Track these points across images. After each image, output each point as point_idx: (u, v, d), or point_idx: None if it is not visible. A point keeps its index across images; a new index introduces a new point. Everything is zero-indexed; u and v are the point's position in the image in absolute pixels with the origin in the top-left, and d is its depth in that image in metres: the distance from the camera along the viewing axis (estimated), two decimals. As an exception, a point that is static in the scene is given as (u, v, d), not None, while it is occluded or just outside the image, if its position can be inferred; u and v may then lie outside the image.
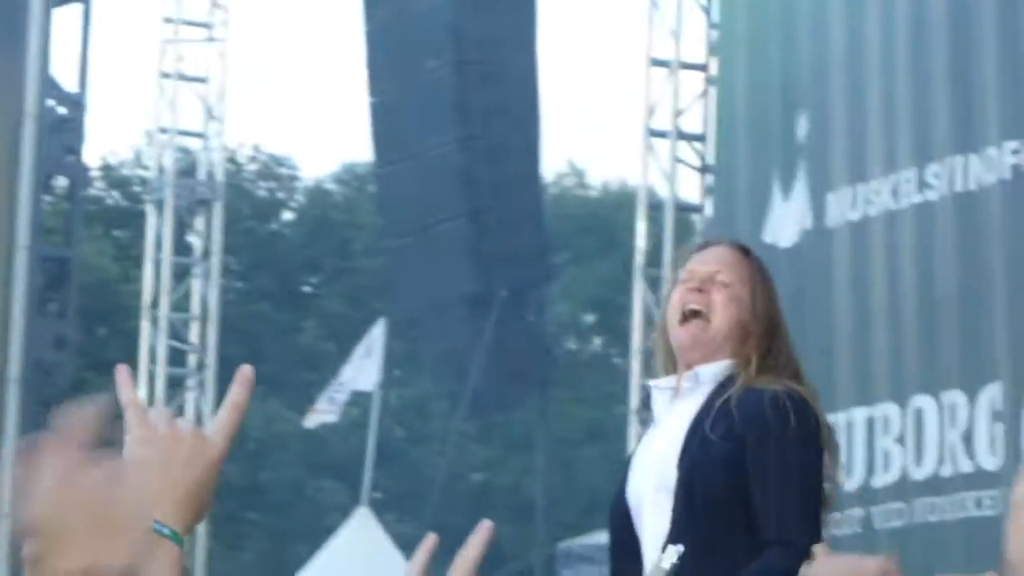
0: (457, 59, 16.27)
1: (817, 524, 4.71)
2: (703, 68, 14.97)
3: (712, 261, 5.22)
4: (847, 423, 11.75)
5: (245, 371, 1.50)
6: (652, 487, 4.94)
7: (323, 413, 18.77)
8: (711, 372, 5.07)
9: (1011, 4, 12.06)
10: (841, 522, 10.81)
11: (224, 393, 1.53)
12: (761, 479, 4.93)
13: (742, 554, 4.82)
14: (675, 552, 4.02)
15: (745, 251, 5.43)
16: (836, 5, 13.17)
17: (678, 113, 15.34)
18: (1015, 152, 11.17)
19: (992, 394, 11.03)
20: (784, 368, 5.13)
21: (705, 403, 4.99)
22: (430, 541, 2.19)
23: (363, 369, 17.81)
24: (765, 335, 5.20)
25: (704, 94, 14.75)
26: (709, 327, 5.09)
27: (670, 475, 4.95)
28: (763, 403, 4.93)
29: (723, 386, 4.90)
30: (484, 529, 2.07)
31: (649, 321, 14.48)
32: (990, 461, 10.90)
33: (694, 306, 5.06)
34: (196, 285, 16.56)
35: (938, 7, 12.32)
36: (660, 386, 5.19)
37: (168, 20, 16.45)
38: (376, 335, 18.05)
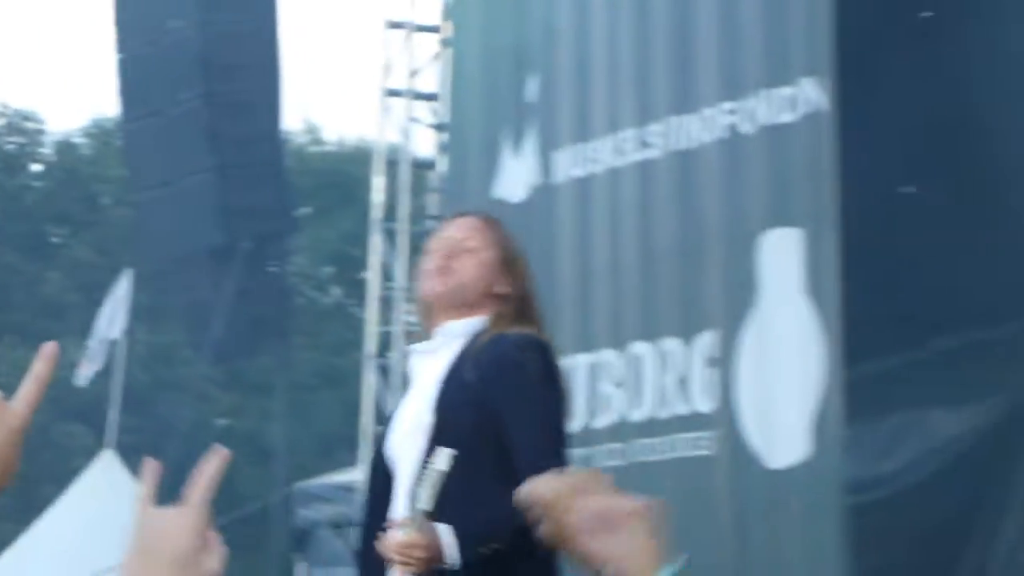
0: (201, 19, 16.01)
1: (565, 456, 4.91)
2: (437, 31, 14.77)
3: (459, 228, 5.40)
4: (571, 367, 10.93)
5: (48, 347, 1.64)
6: (409, 434, 5.09)
7: (91, 366, 18.24)
8: (462, 326, 5.24)
9: None
10: None
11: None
12: (512, 416, 5.07)
13: (496, 492, 4.83)
14: (447, 454, 4.73)
15: (492, 220, 5.61)
16: None
17: (413, 73, 15.17)
18: (731, 112, 11.13)
19: (706, 341, 10.99)
20: (532, 321, 5.35)
21: (458, 354, 5.18)
22: (153, 467, 2.11)
23: (112, 318, 17.39)
24: (514, 294, 5.36)
25: (438, 56, 14.53)
26: (455, 284, 5.25)
27: (425, 420, 5.09)
28: (508, 347, 5.14)
29: (475, 339, 5.10)
30: (219, 455, 2.05)
31: (385, 273, 14.78)
32: (704, 404, 10.94)
33: (441, 264, 5.23)
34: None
35: None
36: (418, 350, 5.40)
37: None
38: (123, 285, 17.57)
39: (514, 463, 4.80)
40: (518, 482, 4.57)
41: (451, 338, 5.25)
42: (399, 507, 4.91)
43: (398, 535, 4.63)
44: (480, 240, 5.38)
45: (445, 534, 4.68)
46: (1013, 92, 11.01)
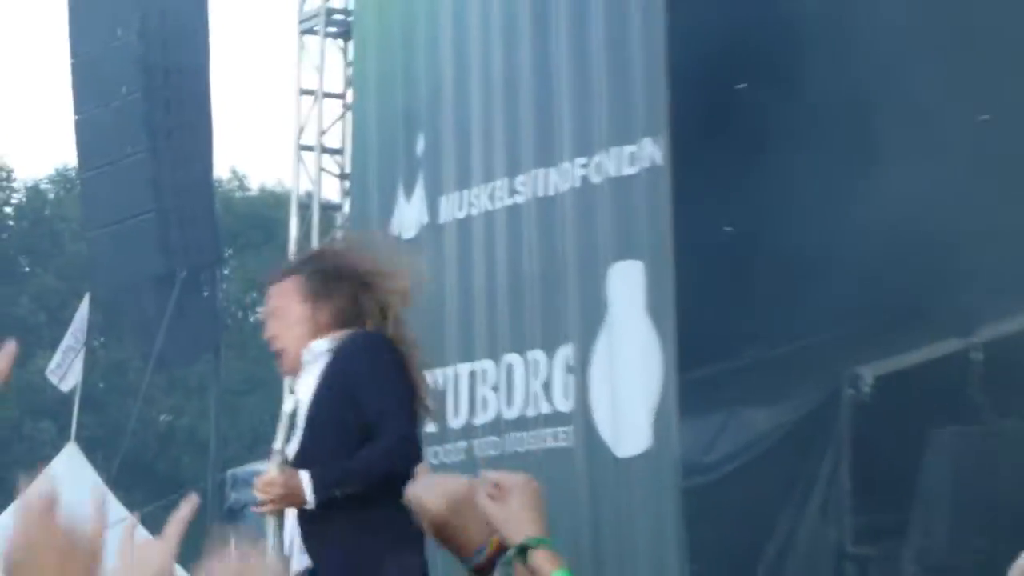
0: (146, 86, 15.99)
1: (411, 415, 5.05)
2: (342, 96, 14.66)
3: (268, 298, 5.57)
4: (454, 375, 11.91)
5: (8, 346, 1.52)
6: (297, 425, 5.20)
7: (72, 376, 17.33)
8: (321, 344, 5.24)
9: (580, 50, 11.59)
10: (450, 451, 11.89)
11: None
12: (364, 391, 5.13)
13: (353, 450, 5.09)
14: (292, 399, 5.25)
15: (288, 270, 5.62)
16: (446, 52, 12.64)
17: (322, 132, 14.55)
18: (583, 166, 11.17)
19: (565, 353, 11.08)
20: (363, 315, 5.41)
21: (326, 363, 5.22)
22: (178, 521, 2.09)
23: (76, 334, 17.07)
24: (339, 305, 5.39)
25: (343, 117, 14.37)
26: (282, 349, 5.35)
27: (304, 409, 5.21)
28: (354, 342, 5.22)
29: (332, 351, 5.18)
30: (190, 503, 2.00)
31: (297, 297, 15.05)
32: (564, 404, 11.06)
33: (272, 344, 5.38)
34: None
35: (525, 55, 11.97)
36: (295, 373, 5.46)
37: None
38: (82, 308, 17.32)
39: (370, 426, 4.93)
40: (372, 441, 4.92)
41: (314, 357, 5.29)
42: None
43: (263, 476, 4.87)
44: (281, 300, 5.44)
45: (304, 477, 4.79)
46: (815, 146, 11.13)
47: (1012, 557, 4.17)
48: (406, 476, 4.88)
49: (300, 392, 5.52)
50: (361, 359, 5.35)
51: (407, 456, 4.97)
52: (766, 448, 11.79)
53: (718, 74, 11.57)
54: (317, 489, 4.66)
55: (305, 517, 4.90)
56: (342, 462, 4.84)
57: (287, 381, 15.21)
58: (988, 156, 11.28)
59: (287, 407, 5.63)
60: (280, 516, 5.16)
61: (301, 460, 5.27)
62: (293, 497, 4.76)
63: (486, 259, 11.80)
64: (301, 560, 4.81)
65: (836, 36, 11.31)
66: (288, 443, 5.25)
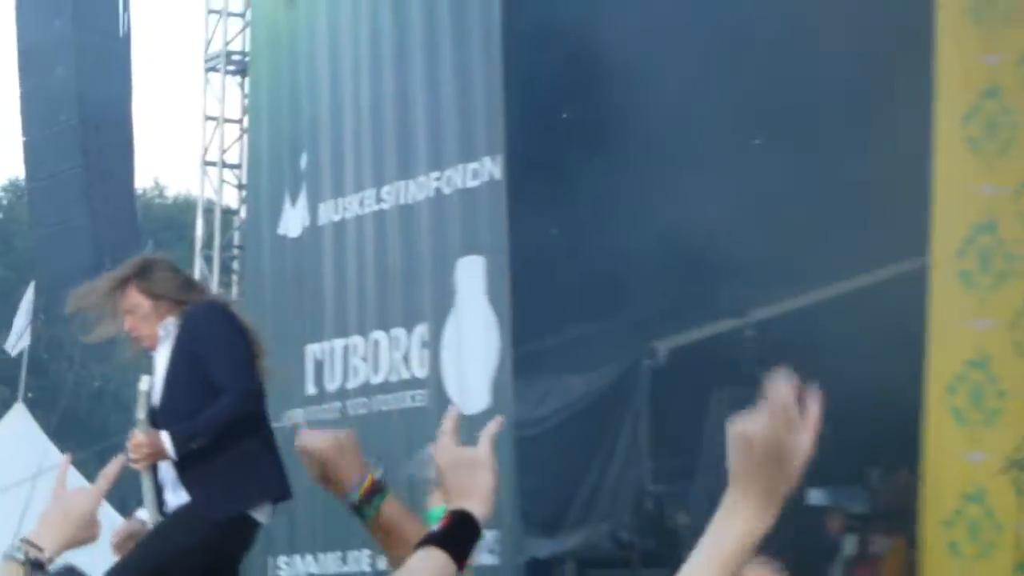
0: (80, 115, 15.97)
1: (249, 371, 5.17)
2: (239, 122, 14.92)
3: (119, 306, 5.44)
4: (331, 348, 12.23)
5: None
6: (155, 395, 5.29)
7: (19, 344, 17.16)
8: (171, 320, 5.32)
9: (433, 82, 11.95)
10: (327, 410, 12.18)
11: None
12: (208, 353, 5.27)
13: (203, 407, 5.19)
14: (147, 381, 5.26)
15: (122, 282, 5.59)
16: (323, 85, 12.94)
17: (224, 151, 14.98)
18: (436, 179, 11.42)
19: (421, 330, 11.34)
20: (192, 289, 5.64)
21: (175, 337, 5.35)
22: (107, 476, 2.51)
23: (26, 313, 16.84)
24: (166, 287, 5.51)
25: (240, 139, 14.64)
26: (147, 337, 5.39)
27: (161, 377, 5.32)
28: (197, 313, 5.34)
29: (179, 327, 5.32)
30: (119, 461, 2.47)
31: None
32: (420, 372, 11.35)
33: (134, 333, 5.39)
34: None
35: (387, 86, 12.23)
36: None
37: None
38: (29, 293, 17.16)
39: (216, 384, 5.03)
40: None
41: (167, 332, 5.33)
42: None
43: (132, 440, 4.84)
44: (130, 302, 5.45)
45: (164, 436, 4.86)
46: (622, 164, 11.64)
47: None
48: (255, 419, 5.12)
49: (158, 363, 5.57)
50: (204, 325, 5.47)
51: (249, 407, 5.29)
52: (583, 407, 12.26)
53: (546, 104, 12.00)
54: (176, 445, 4.78)
55: (176, 462, 4.99)
56: (194, 419, 4.94)
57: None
58: (759, 173, 11.76)
59: (143, 387, 5.55)
60: (152, 469, 5.20)
61: (163, 418, 5.37)
62: (158, 454, 4.87)
63: (357, 254, 12.04)
64: (178, 495, 4.95)
65: (641, 77, 11.38)
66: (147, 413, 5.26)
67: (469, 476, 2.19)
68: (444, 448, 2.24)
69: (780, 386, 1.62)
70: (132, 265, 5.83)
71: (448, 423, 2.28)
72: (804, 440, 1.63)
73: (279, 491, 5.10)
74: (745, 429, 1.60)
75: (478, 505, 2.18)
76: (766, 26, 11.64)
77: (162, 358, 5.53)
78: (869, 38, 11.42)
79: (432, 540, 2.13)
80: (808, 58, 11.23)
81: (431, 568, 2.11)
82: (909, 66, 10.59)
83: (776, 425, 1.63)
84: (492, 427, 2.18)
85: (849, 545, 11.49)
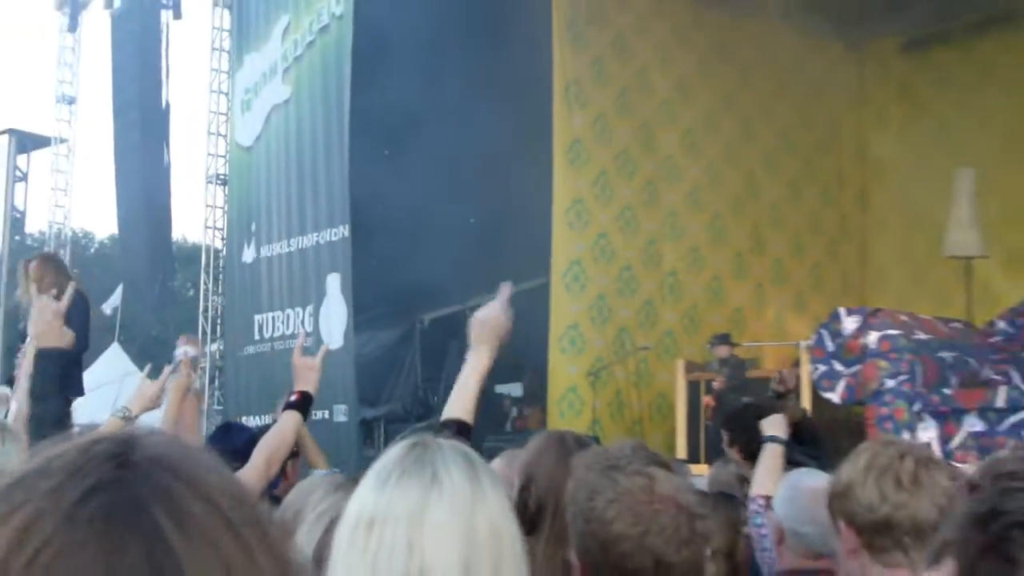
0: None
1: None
2: (224, 207, 16.20)
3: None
4: (267, 316, 14.79)
5: None
6: None
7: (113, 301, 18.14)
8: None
9: (315, 186, 13.71)
10: (265, 346, 14.58)
11: None
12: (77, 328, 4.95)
13: None
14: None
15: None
16: (263, 187, 14.73)
17: (214, 225, 16.61)
18: (317, 235, 13.67)
19: (310, 308, 13.71)
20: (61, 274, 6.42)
21: None
22: None
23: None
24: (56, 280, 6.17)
25: (224, 213, 16.24)
26: None
27: None
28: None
29: None
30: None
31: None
32: (309, 328, 13.27)
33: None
34: None
35: (294, 186, 14.18)
36: None
37: None
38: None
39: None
40: None
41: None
42: None
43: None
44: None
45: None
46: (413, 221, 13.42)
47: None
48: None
49: None
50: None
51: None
52: (387, 347, 15.23)
53: (374, 192, 12.72)
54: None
55: None
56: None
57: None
58: (475, 239, 14.00)
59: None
60: None
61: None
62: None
63: (278, 271, 14.35)
64: None
65: (415, 153, 13.00)
66: None
67: (309, 373, 3.62)
68: (297, 357, 3.65)
69: (504, 292, 3.07)
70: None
71: (298, 344, 3.74)
72: (503, 318, 2.92)
73: None
74: (480, 315, 2.98)
75: (312, 387, 3.53)
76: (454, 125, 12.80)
77: None
78: (516, 127, 12.92)
79: (290, 406, 3.52)
80: (484, 143, 13.06)
81: (293, 419, 3.49)
82: (541, 149, 12.79)
83: (495, 313, 2.95)
84: (321, 351, 3.59)
85: (513, 412, 14.47)
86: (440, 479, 1.48)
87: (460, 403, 2.97)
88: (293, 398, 3.58)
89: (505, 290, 3.16)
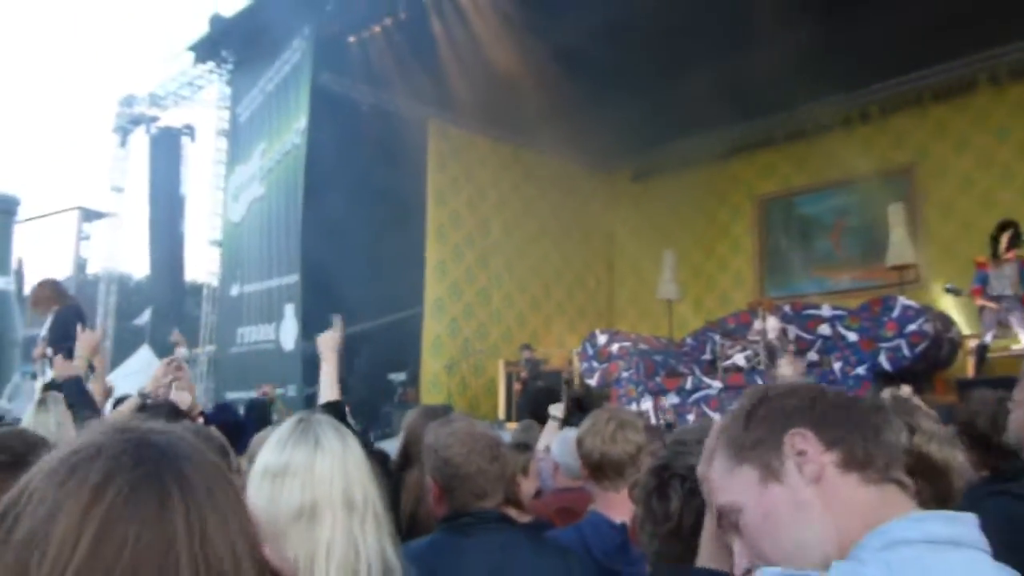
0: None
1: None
2: (221, 256, 14.78)
3: None
4: (246, 329, 13.25)
5: None
6: None
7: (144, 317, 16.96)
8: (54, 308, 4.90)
9: (278, 245, 12.42)
10: (243, 347, 13.02)
11: None
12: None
13: None
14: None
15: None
16: (245, 249, 13.35)
17: (214, 272, 15.12)
18: (280, 279, 12.22)
19: (275, 324, 12.31)
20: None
21: None
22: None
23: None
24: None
25: (220, 260, 14.86)
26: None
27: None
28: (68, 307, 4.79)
29: None
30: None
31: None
32: (272, 337, 12.34)
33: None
34: None
35: (265, 250, 12.84)
36: None
37: None
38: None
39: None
40: None
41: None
42: None
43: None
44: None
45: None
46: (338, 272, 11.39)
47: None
48: None
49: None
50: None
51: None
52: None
53: (320, 246, 11.46)
54: None
55: None
56: None
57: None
58: (379, 282, 12.04)
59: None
60: None
61: None
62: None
63: (254, 301, 13.19)
64: None
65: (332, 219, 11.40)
66: None
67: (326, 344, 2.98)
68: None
69: (337, 322, 2.68)
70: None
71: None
72: (337, 338, 2.62)
73: None
74: (321, 337, 2.78)
75: (152, 389, 3.08)
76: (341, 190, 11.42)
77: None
78: (405, 218, 12.29)
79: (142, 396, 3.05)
80: (387, 226, 11.97)
81: (132, 405, 2.99)
82: (418, 231, 12.44)
83: (334, 335, 2.63)
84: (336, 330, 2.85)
85: (399, 390, 12.92)
86: (321, 443, 1.38)
87: (327, 392, 2.88)
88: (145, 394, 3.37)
89: (337, 320, 3.09)
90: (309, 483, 1.34)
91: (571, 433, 3.18)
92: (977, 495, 1.90)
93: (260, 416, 4.61)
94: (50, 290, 5.49)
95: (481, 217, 13.63)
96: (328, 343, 2.99)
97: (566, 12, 9.94)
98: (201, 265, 15.36)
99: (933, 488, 1.48)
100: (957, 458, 1.59)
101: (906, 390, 3.81)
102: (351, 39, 11.37)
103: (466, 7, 10.22)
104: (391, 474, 2.81)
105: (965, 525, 0.89)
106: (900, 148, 12.50)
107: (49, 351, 5.05)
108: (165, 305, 16.86)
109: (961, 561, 0.84)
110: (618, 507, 2.23)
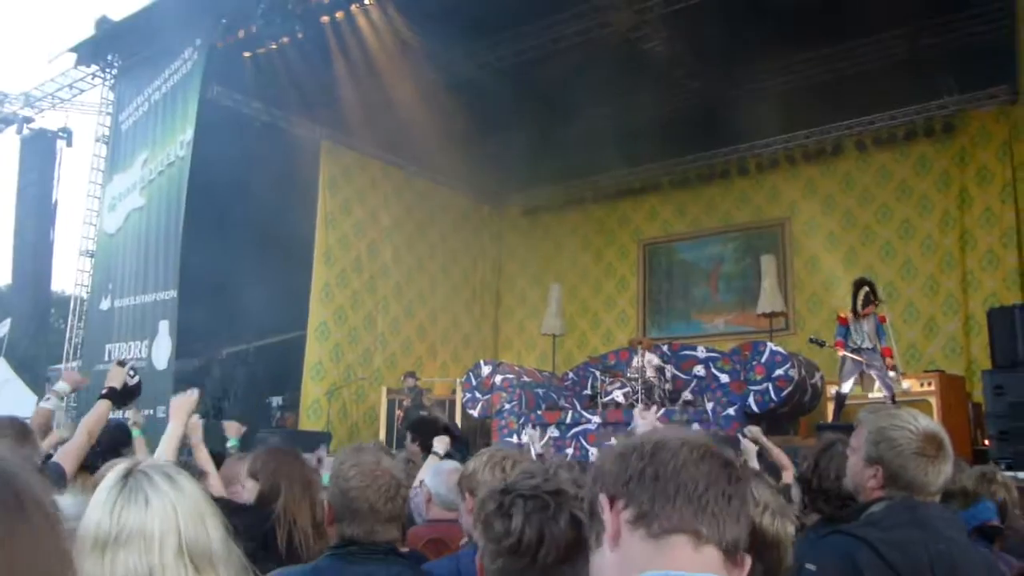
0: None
1: None
2: (92, 270, 13.43)
3: None
4: (118, 345, 11.95)
5: None
6: None
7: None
8: None
9: (156, 260, 11.69)
10: (112, 366, 13.30)
11: None
12: None
13: None
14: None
15: None
16: (119, 265, 12.50)
17: (84, 284, 13.75)
18: (157, 294, 11.51)
19: (147, 342, 11.49)
20: None
21: None
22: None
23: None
24: None
25: (91, 275, 13.64)
26: None
27: None
28: None
29: None
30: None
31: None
32: (144, 353, 11.39)
33: None
34: None
35: (141, 264, 12.01)
36: None
37: None
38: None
39: None
40: None
41: None
42: None
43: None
44: None
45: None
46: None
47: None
48: None
49: None
50: None
51: None
52: (197, 370, 12.37)
53: (199, 271, 11.00)
54: None
55: None
56: None
57: None
58: (260, 303, 11.67)
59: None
60: None
61: None
62: None
63: (126, 316, 12.13)
64: None
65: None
66: None
67: (115, 374, 3.18)
68: (114, 368, 2.97)
69: (191, 395, 2.66)
70: None
71: (116, 362, 3.05)
72: (193, 400, 2.57)
73: None
74: (175, 399, 2.73)
75: (117, 384, 3.14)
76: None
77: None
78: (291, 240, 12.04)
79: (103, 396, 3.14)
80: (269, 247, 11.39)
81: (105, 405, 3.10)
82: (306, 255, 12.29)
83: (190, 399, 2.70)
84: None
85: (277, 414, 12.65)
86: (151, 500, 1.29)
87: (164, 451, 2.87)
88: (104, 391, 3.35)
89: (194, 392, 3.09)
90: (143, 549, 1.26)
91: (446, 464, 3.26)
92: (815, 536, 2.05)
93: (112, 440, 4.19)
94: None
95: (370, 241, 13.49)
96: (182, 406, 2.97)
97: (463, 45, 10.14)
98: (70, 276, 14.65)
99: (763, 563, 1.51)
100: (788, 530, 1.64)
101: (754, 430, 3.95)
102: (246, 54, 11.11)
103: (365, 31, 10.10)
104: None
105: None
106: (774, 203, 13.04)
107: None
108: (26, 317, 15.89)
109: None
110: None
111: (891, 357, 8.28)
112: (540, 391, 11.21)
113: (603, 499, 0.99)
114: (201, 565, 1.24)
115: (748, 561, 0.99)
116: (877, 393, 8.41)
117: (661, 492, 0.96)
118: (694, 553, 0.94)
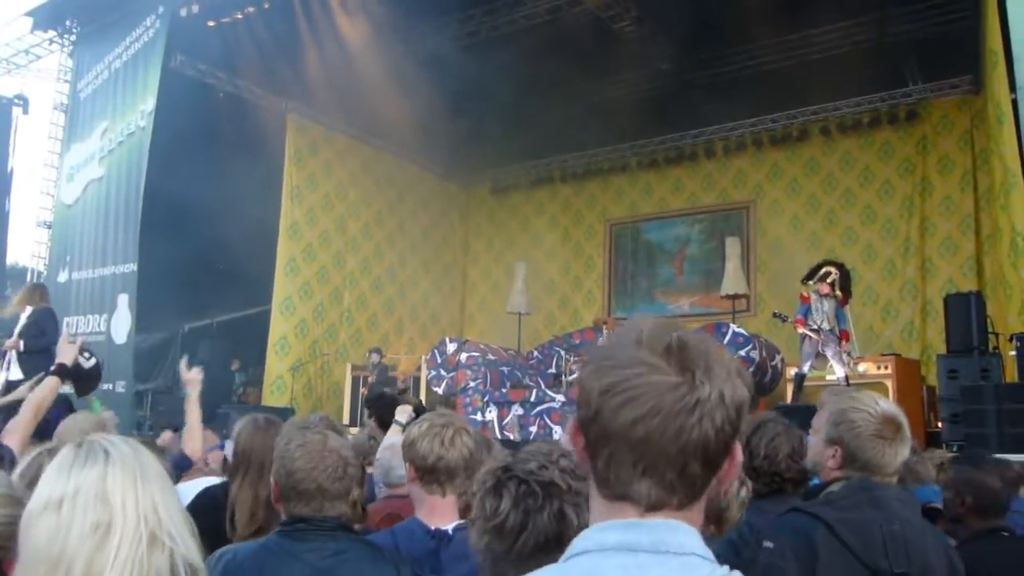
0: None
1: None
2: (49, 241, 13.30)
3: None
4: (77, 318, 11.63)
5: None
6: None
7: None
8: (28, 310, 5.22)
9: (115, 235, 11.42)
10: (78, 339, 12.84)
11: None
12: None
13: None
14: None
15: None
16: (77, 236, 12.31)
17: (42, 257, 13.60)
18: (115, 268, 11.43)
19: (106, 316, 11.22)
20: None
21: None
22: None
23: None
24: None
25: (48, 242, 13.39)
26: None
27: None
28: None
29: None
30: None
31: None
32: (104, 328, 11.26)
33: None
34: None
35: (100, 239, 11.75)
36: None
37: None
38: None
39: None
40: None
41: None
42: None
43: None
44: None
45: None
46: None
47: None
48: None
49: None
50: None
51: None
52: (158, 345, 12.88)
53: (161, 243, 10.83)
54: None
55: None
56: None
57: None
58: (223, 277, 12.04)
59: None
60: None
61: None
62: None
63: (83, 289, 11.95)
64: None
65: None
66: None
67: (67, 350, 3.10)
68: (63, 343, 3.00)
69: (195, 373, 2.93)
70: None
71: (64, 335, 2.88)
72: (200, 375, 2.71)
73: None
74: (187, 375, 3.04)
75: (68, 360, 3.09)
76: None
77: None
78: (256, 212, 11.66)
79: (50, 373, 3.06)
80: (233, 219, 11.02)
81: (53, 382, 3.00)
82: (271, 229, 12.14)
83: (194, 375, 2.95)
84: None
85: (240, 390, 12.63)
86: (111, 456, 1.24)
87: (190, 442, 3.02)
88: (53, 368, 3.20)
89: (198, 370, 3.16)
90: (102, 500, 1.21)
91: (396, 439, 3.15)
92: (756, 509, 2.20)
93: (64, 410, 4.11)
94: (39, 293, 5.99)
95: (338, 216, 13.30)
96: (195, 384, 3.15)
97: (433, 20, 10.08)
98: (26, 248, 13.70)
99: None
100: (732, 510, 1.76)
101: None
102: (210, 23, 10.81)
103: (332, 2, 9.96)
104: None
105: (651, 532, 0.89)
106: (740, 186, 13.05)
107: (21, 346, 5.57)
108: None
109: (621, 564, 0.86)
110: (442, 513, 2.22)
111: (847, 341, 8.35)
112: (505, 369, 11.33)
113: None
114: (158, 532, 1.20)
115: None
116: (832, 375, 8.48)
117: (619, 458, 0.98)
118: (635, 514, 0.97)
